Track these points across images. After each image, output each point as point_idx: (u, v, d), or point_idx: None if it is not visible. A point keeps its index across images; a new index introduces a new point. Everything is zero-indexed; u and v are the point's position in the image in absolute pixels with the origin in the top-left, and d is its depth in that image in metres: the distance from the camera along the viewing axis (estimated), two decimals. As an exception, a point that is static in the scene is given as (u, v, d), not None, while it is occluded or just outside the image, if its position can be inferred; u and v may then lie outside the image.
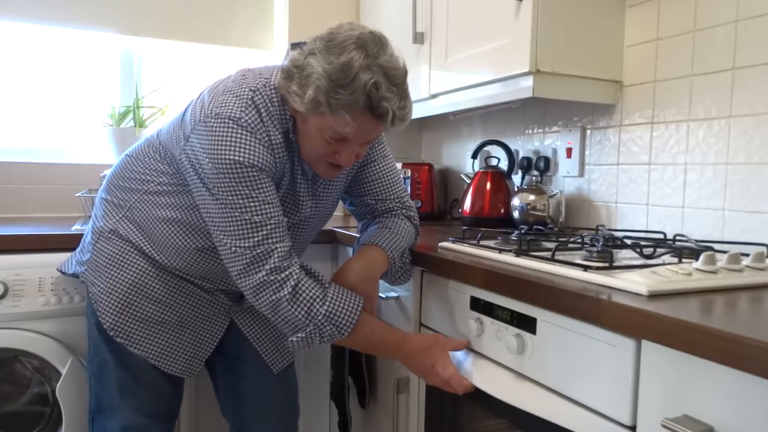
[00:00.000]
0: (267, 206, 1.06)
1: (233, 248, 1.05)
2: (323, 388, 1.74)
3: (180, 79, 2.24)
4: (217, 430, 1.61)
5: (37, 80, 2.06)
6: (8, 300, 1.37)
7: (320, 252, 1.71)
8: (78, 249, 1.34)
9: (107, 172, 1.76)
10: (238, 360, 1.35)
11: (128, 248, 1.21)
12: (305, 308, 1.05)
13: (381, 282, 1.26)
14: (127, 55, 2.16)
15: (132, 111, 2.06)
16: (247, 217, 1.04)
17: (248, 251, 1.04)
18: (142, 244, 1.20)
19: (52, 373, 1.45)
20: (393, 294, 1.41)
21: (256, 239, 1.04)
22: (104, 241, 1.22)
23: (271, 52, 2.30)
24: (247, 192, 1.04)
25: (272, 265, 1.04)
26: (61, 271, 1.38)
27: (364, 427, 1.61)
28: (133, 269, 1.20)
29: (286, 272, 1.05)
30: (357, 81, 0.98)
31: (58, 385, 1.39)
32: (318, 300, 1.05)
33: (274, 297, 1.04)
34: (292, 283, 1.05)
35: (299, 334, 1.07)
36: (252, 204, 1.04)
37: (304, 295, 1.05)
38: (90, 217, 1.40)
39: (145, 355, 1.21)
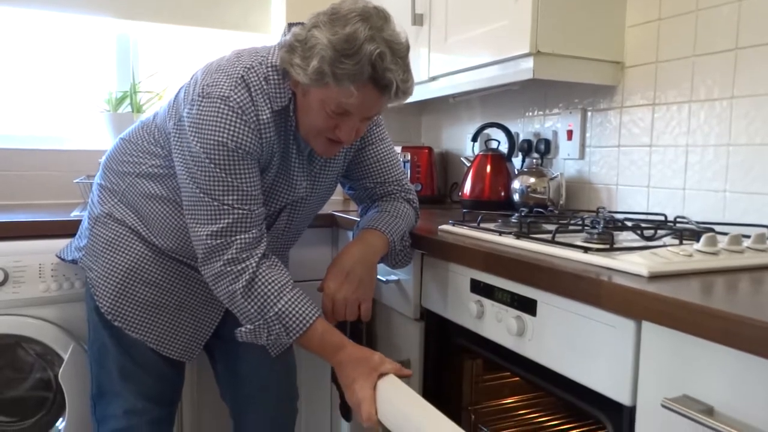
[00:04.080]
0: (239, 194, 1.06)
1: (198, 233, 1.07)
2: (324, 371, 1.75)
3: (176, 63, 2.22)
4: (220, 414, 1.62)
5: (33, 67, 2.04)
6: (9, 286, 1.37)
7: (320, 236, 1.71)
8: (76, 235, 1.34)
9: (105, 157, 1.75)
10: (236, 344, 1.34)
11: (125, 232, 1.21)
12: (258, 304, 1.05)
13: (381, 266, 1.26)
14: (123, 39, 2.14)
15: (129, 96, 2.04)
16: (215, 205, 1.05)
17: (209, 239, 1.05)
18: (138, 227, 1.20)
19: (54, 359, 1.46)
20: (393, 277, 1.41)
21: (217, 227, 1.05)
22: (100, 226, 1.22)
23: (268, 35, 2.27)
24: (223, 176, 1.05)
25: (230, 256, 1.05)
26: (60, 258, 1.38)
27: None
28: (130, 253, 1.20)
29: (243, 264, 1.05)
30: (362, 51, 0.98)
31: (60, 370, 1.39)
32: (272, 298, 1.05)
33: (229, 288, 1.06)
34: (248, 277, 1.05)
35: (248, 326, 1.07)
36: (225, 189, 1.05)
37: (258, 291, 1.05)
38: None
39: (144, 338, 1.22)
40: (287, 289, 1.07)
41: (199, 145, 1.04)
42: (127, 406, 1.22)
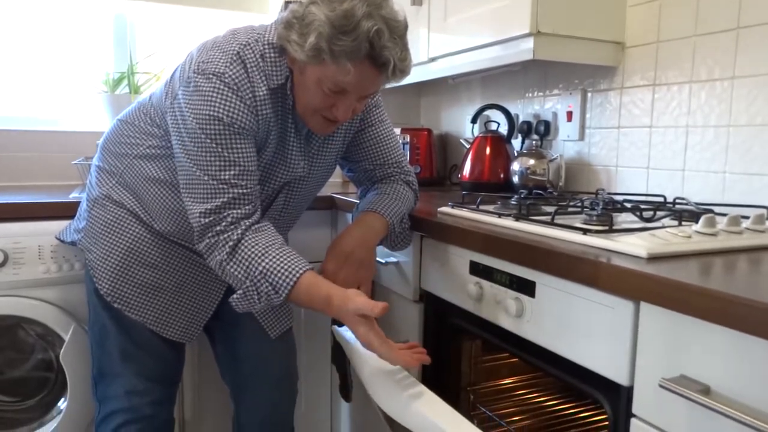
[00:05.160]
0: (237, 169, 1.05)
1: (193, 210, 1.06)
2: (324, 353, 1.76)
3: (174, 44, 2.20)
4: (221, 395, 1.63)
5: (30, 48, 2.02)
6: (9, 268, 1.38)
7: (320, 218, 1.71)
8: (75, 217, 1.34)
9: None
10: (235, 325, 1.36)
11: (123, 213, 1.21)
12: (244, 266, 1.04)
13: (380, 248, 1.26)
14: (120, 20, 2.12)
15: (126, 77, 2.03)
16: (212, 183, 1.05)
17: (202, 217, 1.05)
18: (136, 210, 1.20)
19: (55, 340, 1.47)
20: (392, 259, 1.42)
21: (211, 205, 1.05)
22: (99, 208, 1.22)
23: (265, 15, 2.25)
24: (219, 150, 1.04)
25: (220, 228, 1.05)
26: (59, 239, 1.38)
27: (365, 390, 1.63)
28: (129, 235, 1.20)
29: (229, 233, 1.05)
30: (360, 27, 0.97)
31: (61, 351, 1.40)
32: (257, 258, 1.03)
33: (218, 258, 1.06)
34: (232, 244, 1.05)
35: (239, 291, 1.06)
36: (222, 164, 1.04)
37: (242, 254, 1.04)
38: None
39: (143, 320, 1.22)
40: (273, 248, 1.05)
41: (194, 120, 1.04)
42: (128, 386, 1.23)
